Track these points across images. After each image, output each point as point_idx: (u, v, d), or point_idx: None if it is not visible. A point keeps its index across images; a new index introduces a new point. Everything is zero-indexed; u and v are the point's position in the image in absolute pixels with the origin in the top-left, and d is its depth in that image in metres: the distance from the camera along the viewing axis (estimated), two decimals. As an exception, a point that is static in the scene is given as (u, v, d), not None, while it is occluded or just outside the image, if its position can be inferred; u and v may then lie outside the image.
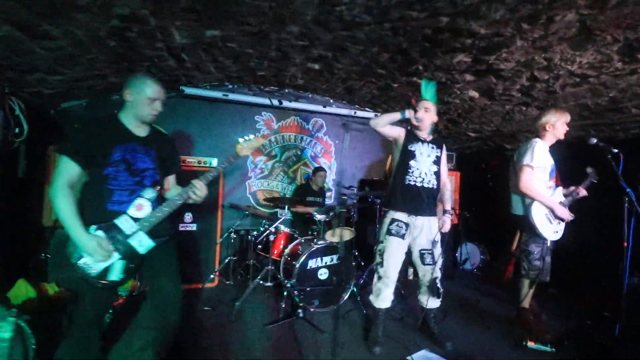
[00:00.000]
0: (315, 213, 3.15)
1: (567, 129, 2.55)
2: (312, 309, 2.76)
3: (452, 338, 2.42)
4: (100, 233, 1.49)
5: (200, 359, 2.11)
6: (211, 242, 3.32)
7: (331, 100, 4.39)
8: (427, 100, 2.41)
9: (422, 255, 2.35)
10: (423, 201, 2.35)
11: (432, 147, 2.42)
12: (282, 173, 4.23)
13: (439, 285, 2.42)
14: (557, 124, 2.52)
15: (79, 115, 3.41)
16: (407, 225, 2.32)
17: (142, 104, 1.60)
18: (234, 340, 2.34)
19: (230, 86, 3.91)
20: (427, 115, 2.37)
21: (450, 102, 3.69)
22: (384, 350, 2.28)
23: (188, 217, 3.26)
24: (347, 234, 3.27)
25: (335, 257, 2.93)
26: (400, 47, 2.69)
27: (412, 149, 2.37)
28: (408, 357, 2.18)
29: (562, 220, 2.57)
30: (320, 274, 2.86)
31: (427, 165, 2.37)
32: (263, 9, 2.15)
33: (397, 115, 2.34)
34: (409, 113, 2.34)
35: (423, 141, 2.41)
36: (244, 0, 2.04)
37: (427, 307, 2.45)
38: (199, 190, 1.68)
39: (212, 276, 3.24)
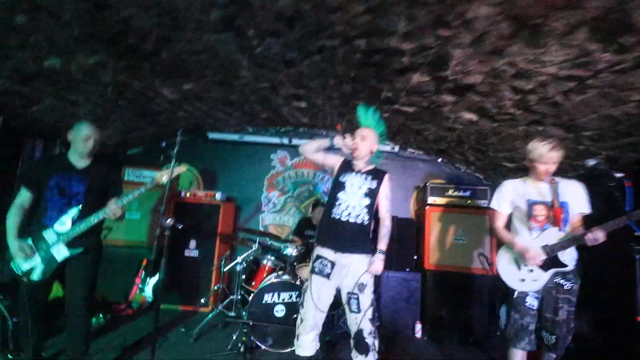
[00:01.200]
0: (286, 246, 3.12)
1: (549, 166, 2.01)
2: (264, 347, 2.66)
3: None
4: (29, 241, 1.95)
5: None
6: (209, 268, 3.63)
7: (345, 135, 4.40)
8: (365, 127, 2.27)
9: (348, 300, 2.06)
10: (349, 237, 2.08)
11: (366, 178, 2.17)
12: (294, 208, 4.35)
13: (366, 339, 2.01)
14: (534, 162, 2.05)
15: (138, 159, 4.39)
16: (332, 263, 2.08)
17: (78, 142, 2.08)
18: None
19: (250, 129, 4.43)
20: (362, 143, 2.18)
21: (453, 128, 3.27)
22: None
23: (192, 243, 3.69)
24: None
25: (295, 294, 2.79)
26: (350, 76, 2.65)
27: (343, 180, 2.18)
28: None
29: (554, 265, 1.99)
30: (276, 311, 2.75)
31: (357, 199, 2.12)
32: (204, 62, 2.52)
33: (326, 143, 2.26)
34: (338, 140, 2.23)
35: (357, 172, 2.20)
36: (188, 59, 2.46)
37: None
38: (111, 211, 2.02)
39: (202, 301, 3.50)
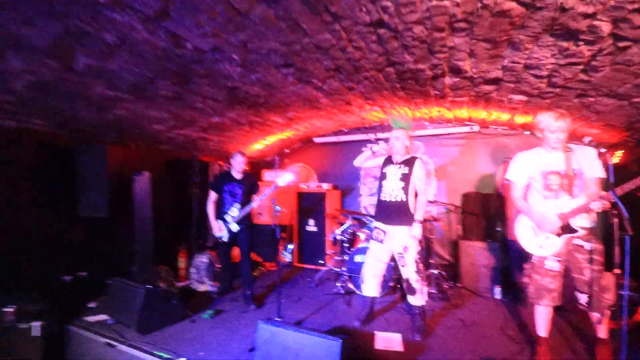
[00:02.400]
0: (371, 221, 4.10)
1: (558, 134, 2.20)
2: (357, 292, 3.75)
3: (431, 336, 2.77)
4: (219, 222, 3.63)
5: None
6: (323, 238, 4.97)
7: (426, 123, 4.94)
8: (397, 128, 3.03)
9: (398, 259, 2.91)
10: (393, 214, 2.89)
11: (400, 167, 2.92)
12: (386, 191, 5.23)
13: (413, 285, 2.83)
14: (545, 132, 2.26)
15: (271, 164, 6.16)
16: (384, 232, 2.94)
17: (236, 164, 3.65)
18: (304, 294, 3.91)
19: (345, 130, 5.52)
20: (397, 142, 2.95)
21: (515, 108, 3.49)
22: (364, 326, 3.01)
23: (311, 221, 5.11)
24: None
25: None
26: (398, 87, 3.37)
27: (385, 171, 3.02)
28: (375, 331, 2.87)
29: (568, 231, 2.24)
30: (363, 266, 3.82)
31: (395, 183, 2.90)
32: (294, 99, 3.75)
33: (368, 153, 3.11)
34: (375, 148, 3.05)
35: (395, 163, 2.98)
36: (286, 100, 3.73)
37: (411, 304, 2.91)
38: (253, 202, 3.51)
39: (320, 261, 4.87)
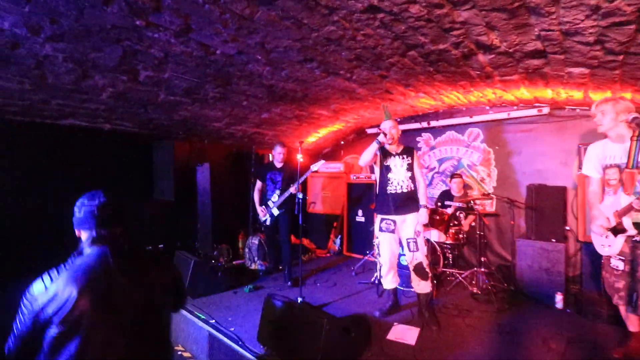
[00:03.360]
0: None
1: (618, 122, 2.04)
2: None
3: (446, 328, 2.62)
4: (263, 207, 4.01)
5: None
6: (370, 228, 4.97)
7: (487, 107, 4.44)
8: (389, 120, 3.02)
9: (408, 244, 2.85)
10: (403, 203, 2.90)
11: (403, 158, 2.95)
12: (440, 182, 4.89)
13: (425, 268, 2.78)
14: (603, 120, 2.16)
15: (328, 155, 6.38)
16: (394, 222, 2.93)
17: (277, 155, 3.99)
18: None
19: (398, 120, 5.35)
20: (394, 131, 2.97)
21: (578, 82, 2.92)
22: (386, 316, 2.98)
23: (360, 212, 5.16)
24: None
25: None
26: (430, 71, 3.17)
27: (388, 163, 2.98)
28: (395, 323, 2.83)
29: (619, 231, 1.99)
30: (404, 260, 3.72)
31: (402, 174, 2.92)
32: (331, 94, 3.85)
33: (374, 146, 2.95)
34: (381, 138, 2.91)
35: (395, 154, 2.97)
36: (324, 94, 3.88)
37: (418, 292, 2.82)
38: (294, 188, 3.76)
39: (367, 251, 4.89)
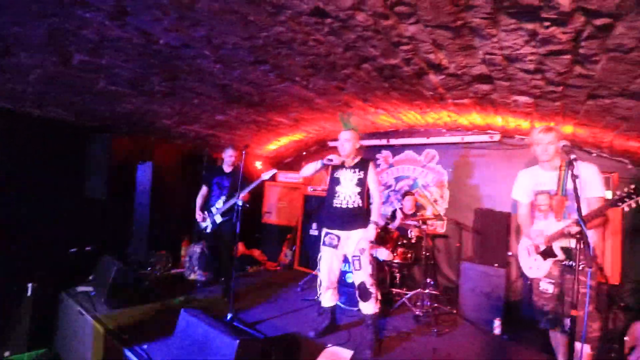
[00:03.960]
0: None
1: (542, 147, 2.06)
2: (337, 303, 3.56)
3: (381, 351, 2.50)
4: (205, 213, 3.76)
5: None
6: (324, 244, 4.83)
7: (443, 130, 4.52)
8: (347, 130, 2.85)
9: (352, 262, 2.70)
10: (349, 219, 2.72)
11: (354, 172, 2.77)
12: (396, 200, 4.87)
13: (369, 289, 2.62)
14: (532, 146, 2.17)
15: (289, 165, 6.22)
16: (338, 237, 2.76)
17: (226, 158, 3.77)
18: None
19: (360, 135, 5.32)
20: (348, 144, 2.77)
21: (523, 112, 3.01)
22: (320, 337, 2.80)
23: (314, 225, 5.01)
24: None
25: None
26: (386, 87, 3.15)
27: (337, 176, 2.84)
28: (328, 345, 2.66)
29: (548, 255, 1.98)
30: (348, 277, 3.59)
31: (351, 188, 2.73)
32: (290, 100, 3.74)
33: (318, 165, 2.87)
34: (326, 161, 2.78)
35: (347, 167, 2.80)
36: (281, 100, 3.75)
37: (364, 313, 2.66)
38: (240, 197, 3.53)
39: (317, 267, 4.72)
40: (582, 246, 1.58)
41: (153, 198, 3.89)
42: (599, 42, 1.66)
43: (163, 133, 4.35)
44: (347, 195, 2.75)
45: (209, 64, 2.92)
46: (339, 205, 2.78)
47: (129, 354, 2.24)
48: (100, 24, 2.33)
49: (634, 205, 1.64)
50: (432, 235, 4.07)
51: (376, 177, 2.80)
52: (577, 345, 1.95)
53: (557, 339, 2.23)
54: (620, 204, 1.67)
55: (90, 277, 3.55)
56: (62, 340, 3.10)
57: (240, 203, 3.00)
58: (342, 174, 2.84)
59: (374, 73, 2.86)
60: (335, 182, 2.86)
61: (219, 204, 3.68)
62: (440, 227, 4.42)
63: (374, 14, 1.92)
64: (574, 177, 1.62)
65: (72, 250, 3.64)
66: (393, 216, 4.33)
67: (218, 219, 3.65)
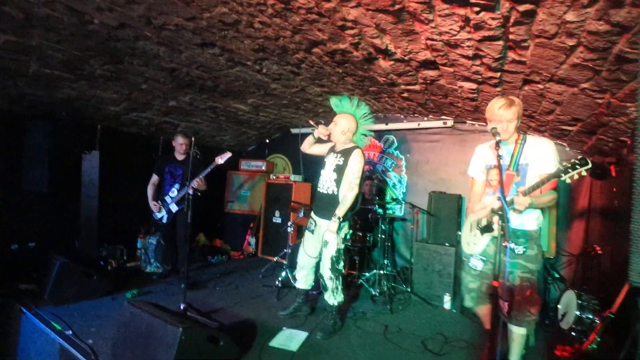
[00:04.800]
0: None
1: (502, 124, 1.85)
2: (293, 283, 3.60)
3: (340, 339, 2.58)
4: (158, 202, 3.63)
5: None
6: (284, 228, 4.83)
7: (402, 117, 4.62)
8: (338, 113, 2.80)
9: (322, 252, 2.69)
10: (323, 205, 2.70)
11: (337, 157, 2.68)
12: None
13: (327, 282, 2.64)
14: (490, 121, 1.93)
15: (252, 154, 6.12)
16: (315, 223, 2.74)
17: (177, 146, 3.65)
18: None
19: (322, 121, 5.31)
20: (334, 128, 2.71)
21: (468, 97, 3.12)
22: (288, 320, 2.86)
23: (277, 213, 5.00)
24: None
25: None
26: (340, 72, 3.15)
27: (325, 159, 2.80)
28: (284, 328, 2.70)
29: (486, 230, 1.98)
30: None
31: (329, 174, 2.69)
32: (246, 85, 3.65)
33: (311, 138, 2.85)
34: (316, 132, 2.79)
35: (334, 152, 2.74)
36: (236, 85, 3.65)
37: (326, 301, 2.70)
38: (195, 184, 3.41)
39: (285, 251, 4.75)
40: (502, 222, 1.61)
41: (101, 189, 3.69)
42: (526, 28, 1.74)
43: (112, 121, 4.11)
44: (325, 180, 2.72)
45: (153, 46, 2.77)
46: (319, 190, 2.77)
47: (72, 350, 2.16)
48: (24, 0, 2.13)
49: (576, 176, 1.58)
50: (390, 218, 4.19)
51: (358, 168, 2.59)
52: (513, 328, 2.00)
53: (481, 310, 2.21)
54: (563, 175, 1.60)
55: (35, 275, 3.35)
56: (4, 342, 2.92)
57: (191, 191, 2.90)
58: (328, 159, 2.79)
59: (325, 57, 2.84)
60: (322, 166, 2.82)
61: (173, 192, 3.57)
62: (399, 211, 4.56)
63: (314, -5, 1.89)
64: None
65: (13, 246, 3.41)
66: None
67: (173, 207, 3.54)
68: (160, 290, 3.41)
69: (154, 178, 3.67)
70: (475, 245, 2.11)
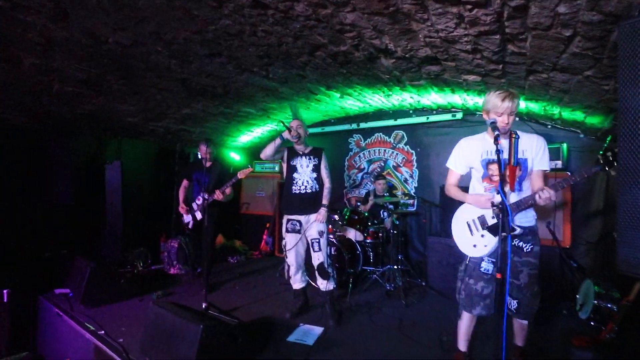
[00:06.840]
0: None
1: (504, 117, 1.81)
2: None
3: (351, 327, 2.64)
4: (187, 207, 3.78)
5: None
6: (302, 230, 4.95)
7: (410, 111, 4.62)
8: (296, 119, 3.00)
9: (312, 244, 2.87)
10: (308, 203, 2.90)
11: (310, 159, 2.94)
12: (369, 183, 5.00)
13: (327, 269, 2.81)
14: (490, 114, 1.89)
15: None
16: (300, 222, 2.91)
17: (200, 153, 3.79)
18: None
19: (332, 120, 5.38)
20: (300, 130, 2.92)
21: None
22: (298, 318, 2.94)
23: (291, 213, 5.11)
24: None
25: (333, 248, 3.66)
26: (344, 73, 3.20)
27: (294, 164, 2.95)
28: (300, 324, 2.81)
29: (496, 230, 1.90)
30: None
31: (308, 174, 2.91)
32: (257, 90, 3.76)
33: (278, 141, 2.89)
34: (285, 134, 2.86)
35: (302, 155, 2.96)
36: (245, 90, 3.76)
37: (323, 290, 2.87)
38: (218, 194, 3.53)
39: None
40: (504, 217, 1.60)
41: (124, 197, 3.90)
42: (521, 21, 1.75)
43: (131, 131, 4.32)
44: (304, 181, 2.91)
45: (164, 60, 2.92)
46: (297, 192, 2.91)
47: (105, 348, 2.34)
48: (42, 26, 2.31)
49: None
50: (403, 213, 4.22)
51: (326, 164, 3.01)
52: (519, 321, 2.04)
53: (470, 325, 2.20)
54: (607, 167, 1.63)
55: (67, 280, 3.59)
56: (44, 343, 3.17)
57: (206, 196, 3.07)
58: (298, 162, 2.96)
59: (329, 60, 2.90)
60: (292, 169, 2.97)
61: (199, 200, 3.73)
62: (412, 206, 4.58)
63: (311, 4, 1.96)
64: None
65: (47, 254, 3.66)
66: (366, 198, 4.47)
67: (198, 215, 3.70)
68: (183, 291, 3.59)
69: (185, 183, 3.83)
70: (485, 247, 1.97)
